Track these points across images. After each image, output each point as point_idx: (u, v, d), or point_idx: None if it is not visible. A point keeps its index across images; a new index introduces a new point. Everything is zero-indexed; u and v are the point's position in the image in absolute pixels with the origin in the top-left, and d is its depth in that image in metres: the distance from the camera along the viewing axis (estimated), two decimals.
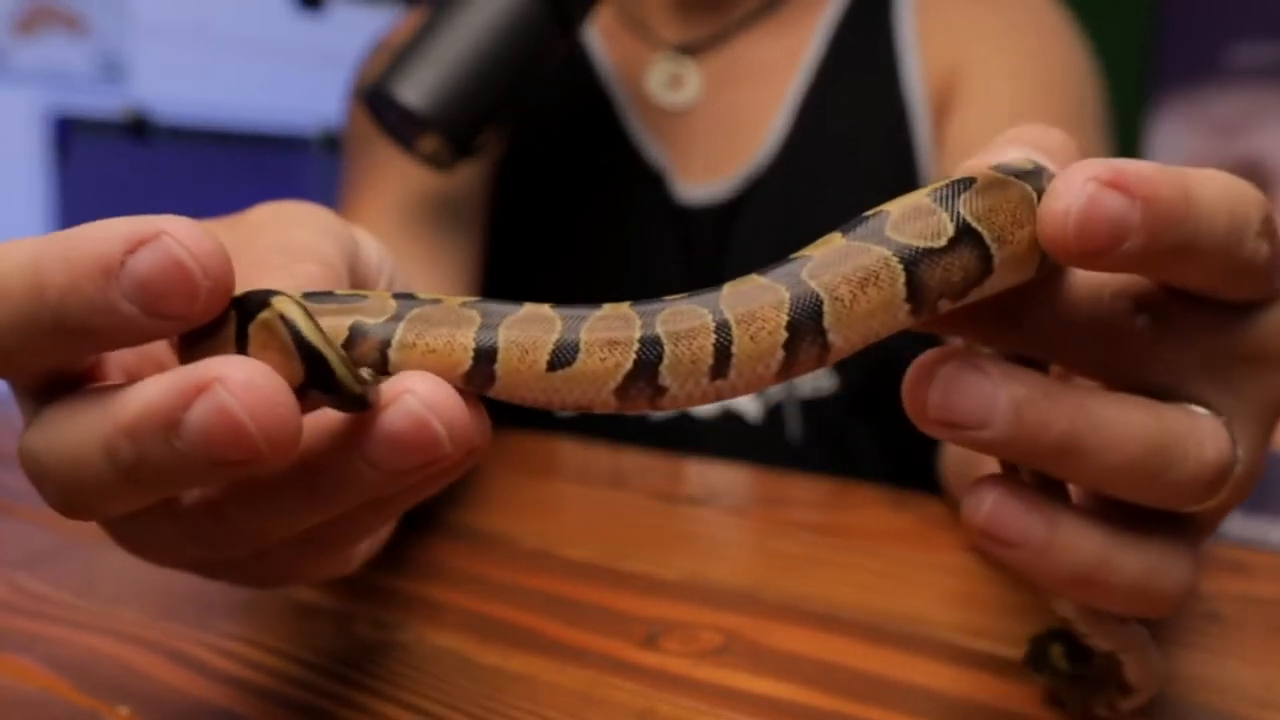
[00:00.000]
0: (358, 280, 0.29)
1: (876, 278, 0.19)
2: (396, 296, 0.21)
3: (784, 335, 0.19)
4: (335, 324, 0.20)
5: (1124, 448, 0.20)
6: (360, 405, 0.19)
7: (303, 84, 2.10)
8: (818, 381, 0.64)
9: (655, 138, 0.68)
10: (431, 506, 0.47)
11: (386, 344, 0.20)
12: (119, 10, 1.89)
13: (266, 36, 2.06)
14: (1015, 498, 0.20)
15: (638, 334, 0.19)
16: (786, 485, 0.53)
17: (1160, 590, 0.21)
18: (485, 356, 0.19)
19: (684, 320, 0.19)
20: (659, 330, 0.19)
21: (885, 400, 0.60)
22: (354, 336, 0.20)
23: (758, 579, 0.39)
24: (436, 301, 0.20)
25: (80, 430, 0.20)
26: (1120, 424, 0.20)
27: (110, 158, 1.90)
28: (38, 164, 1.82)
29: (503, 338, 0.19)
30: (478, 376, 0.19)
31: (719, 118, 0.67)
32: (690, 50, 0.68)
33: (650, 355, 0.19)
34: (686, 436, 0.65)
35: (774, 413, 0.64)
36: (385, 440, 0.19)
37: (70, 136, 1.86)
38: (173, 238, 0.18)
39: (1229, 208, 0.19)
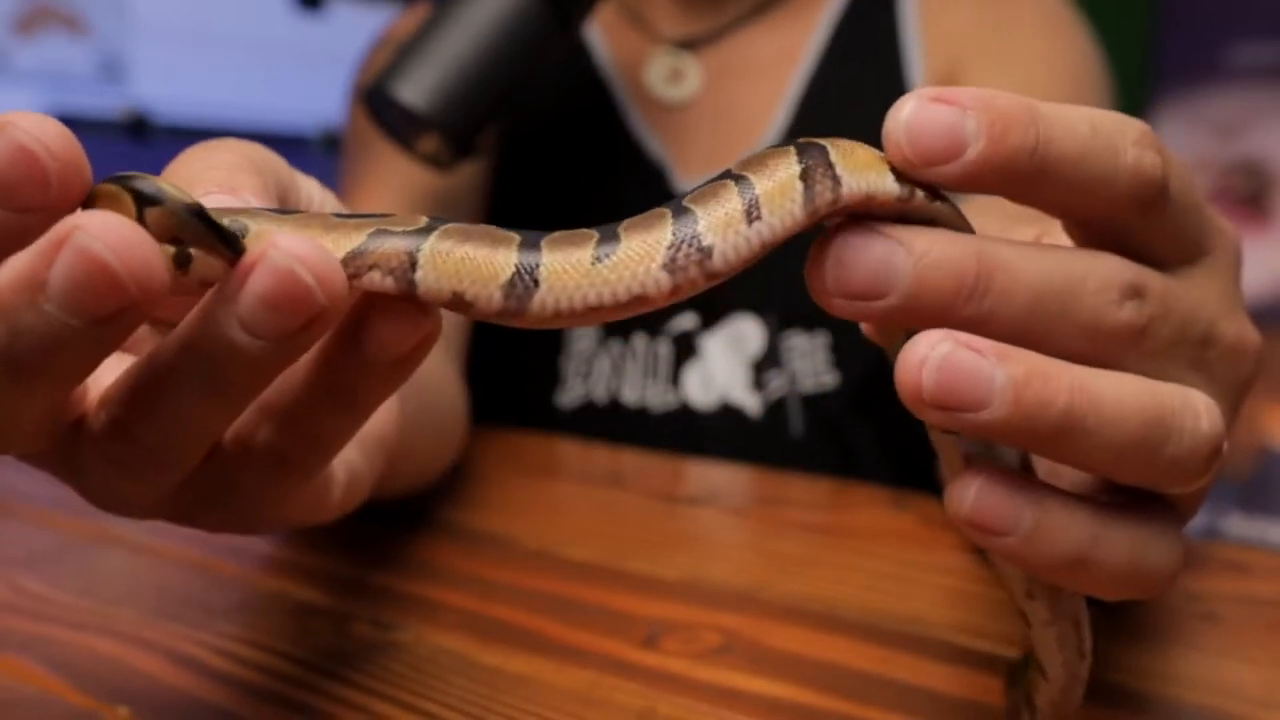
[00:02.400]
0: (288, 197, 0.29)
1: (860, 146, 0.20)
2: (430, 218, 0.20)
3: (798, 168, 0.19)
4: (347, 238, 0.20)
5: (1124, 424, 0.19)
6: (233, 245, 0.19)
7: (303, 84, 2.10)
8: (819, 378, 0.64)
9: (656, 132, 0.68)
10: (431, 506, 0.47)
11: (415, 251, 0.19)
12: (119, 10, 1.89)
13: (266, 36, 2.06)
14: (1000, 484, 0.20)
15: (670, 212, 0.20)
16: (786, 485, 0.53)
17: (1152, 570, 0.21)
18: (527, 266, 0.19)
19: (707, 191, 0.20)
20: (687, 204, 0.20)
21: (887, 397, 0.60)
22: (368, 248, 0.19)
23: (758, 579, 0.39)
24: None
25: None
26: (1117, 398, 0.19)
27: (110, 157, 1.90)
28: None
29: (545, 246, 0.19)
30: (518, 286, 0.19)
31: (719, 112, 0.67)
32: (690, 45, 0.69)
33: (687, 225, 0.19)
34: (687, 433, 0.65)
35: (775, 409, 0.64)
36: (254, 300, 0.19)
37: None
38: (16, 126, 0.18)
39: (1087, 119, 0.20)
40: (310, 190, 0.29)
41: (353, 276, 0.19)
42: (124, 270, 0.17)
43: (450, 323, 0.60)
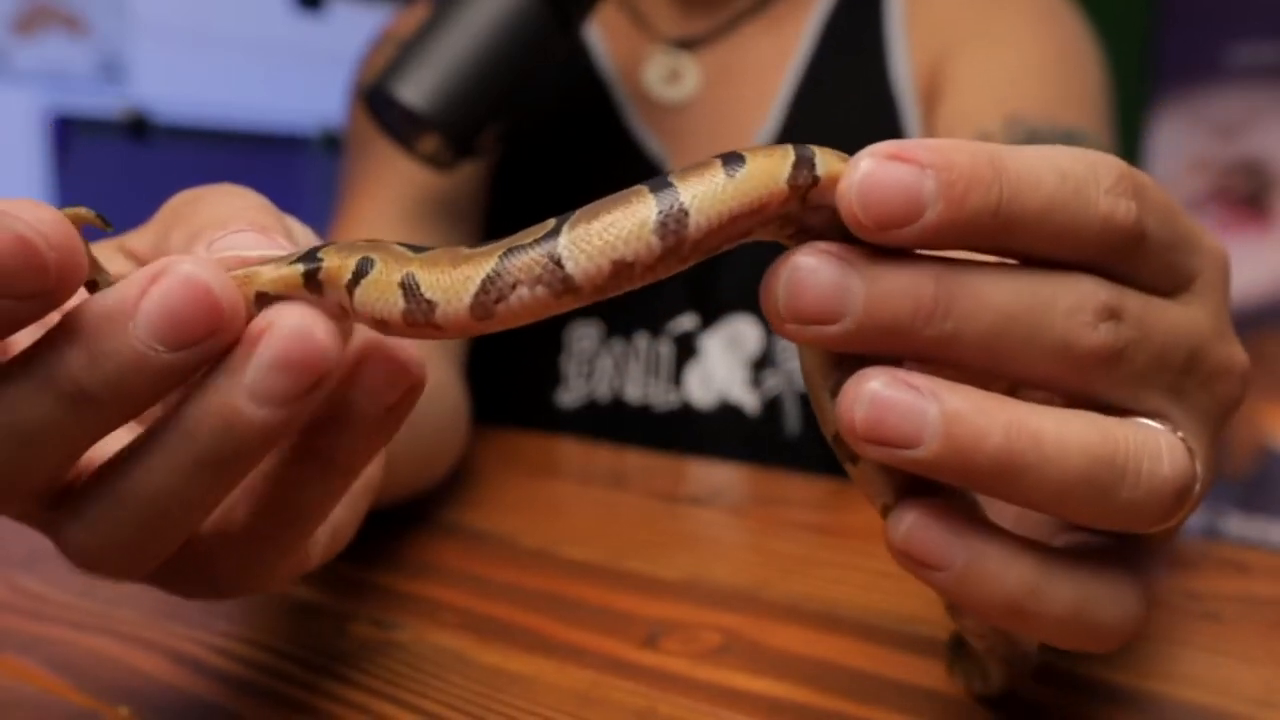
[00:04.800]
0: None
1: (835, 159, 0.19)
2: (557, 219, 0.20)
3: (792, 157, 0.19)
4: (479, 266, 0.19)
5: (1066, 464, 0.18)
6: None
7: (303, 84, 2.10)
8: None
9: (655, 132, 0.68)
10: (431, 506, 0.47)
11: (555, 248, 0.19)
12: (119, 10, 1.89)
13: (266, 36, 2.06)
14: (937, 519, 0.19)
15: (792, 148, 0.19)
16: (786, 485, 0.53)
17: (1098, 625, 0.20)
18: (670, 203, 0.18)
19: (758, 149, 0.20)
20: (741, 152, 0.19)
21: None
22: (505, 268, 0.19)
23: (758, 579, 0.39)
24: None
25: None
26: (1060, 438, 0.18)
27: (110, 158, 1.90)
28: (37, 164, 1.82)
29: (675, 182, 0.19)
30: (669, 223, 0.18)
31: (716, 112, 0.68)
32: (688, 45, 0.69)
33: (806, 153, 0.19)
34: (688, 432, 0.65)
35: (772, 406, 0.64)
36: (264, 367, 0.20)
37: (70, 136, 1.86)
38: (13, 216, 0.18)
39: (1056, 167, 0.19)
40: (293, 228, 0.29)
41: (497, 301, 0.19)
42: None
43: None
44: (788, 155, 0.19)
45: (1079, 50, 0.64)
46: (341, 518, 0.28)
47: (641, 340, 0.67)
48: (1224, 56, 1.83)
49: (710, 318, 0.66)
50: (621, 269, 0.18)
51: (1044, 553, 0.20)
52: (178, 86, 1.97)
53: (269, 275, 0.21)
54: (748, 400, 0.65)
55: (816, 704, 0.29)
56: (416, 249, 0.20)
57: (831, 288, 0.18)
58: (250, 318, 0.20)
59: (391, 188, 0.65)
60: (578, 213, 0.19)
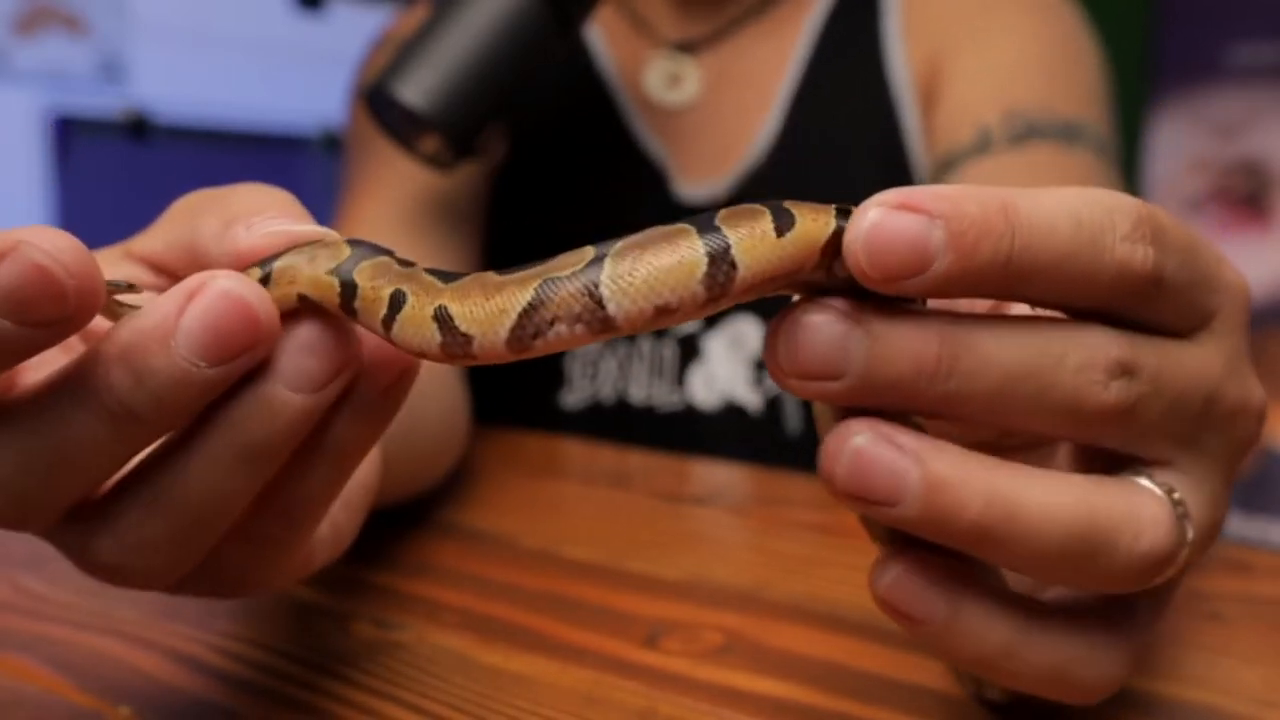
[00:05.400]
0: None
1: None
2: (595, 247, 0.19)
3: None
4: (514, 297, 0.19)
5: (1044, 537, 0.18)
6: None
7: (303, 84, 2.10)
8: None
9: (656, 135, 0.68)
10: (433, 506, 0.47)
11: (596, 285, 0.18)
12: (119, 10, 1.89)
13: (266, 36, 2.06)
14: (919, 575, 0.19)
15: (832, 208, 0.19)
16: (789, 485, 0.53)
17: (1077, 683, 0.20)
18: (718, 251, 0.18)
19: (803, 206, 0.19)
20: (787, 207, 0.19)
21: None
22: (542, 300, 0.19)
23: (759, 579, 0.39)
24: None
25: None
26: (1042, 511, 0.18)
27: (110, 158, 1.90)
28: (37, 164, 1.82)
29: (722, 226, 0.18)
30: (718, 275, 0.18)
31: (716, 116, 0.68)
32: (689, 48, 0.69)
33: (844, 218, 0.19)
34: (692, 432, 0.65)
35: (774, 405, 0.65)
36: (297, 354, 0.21)
37: (70, 136, 1.86)
38: (31, 244, 0.18)
39: (1073, 214, 0.18)
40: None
41: (534, 336, 0.19)
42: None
43: None
44: (830, 219, 0.18)
45: (1077, 44, 0.64)
46: (341, 518, 0.28)
47: (645, 341, 0.67)
48: (1224, 56, 1.83)
49: (713, 319, 0.66)
50: (663, 313, 0.18)
51: (1025, 612, 0.20)
52: (178, 86, 1.97)
53: (308, 274, 0.21)
54: (751, 400, 0.65)
55: (818, 704, 0.29)
56: (445, 276, 0.20)
57: (833, 345, 0.18)
58: (293, 314, 0.21)
59: (392, 188, 0.64)
60: (619, 245, 0.19)
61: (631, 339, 0.67)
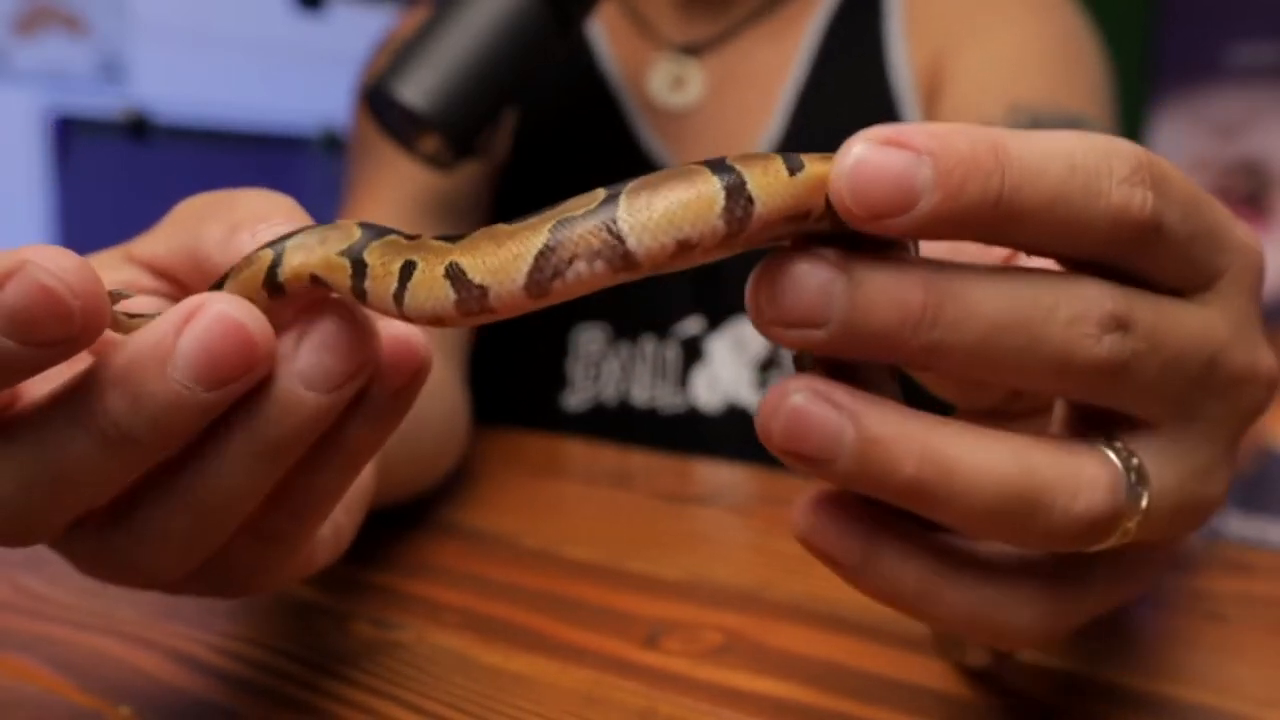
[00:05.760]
0: None
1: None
2: (606, 189, 0.19)
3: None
4: (528, 242, 0.18)
5: (976, 496, 0.18)
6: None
7: (303, 84, 2.10)
8: None
9: (660, 137, 0.68)
10: (433, 506, 0.47)
11: (614, 221, 0.18)
12: (119, 10, 1.89)
13: (266, 36, 2.06)
14: (836, 518, 0.19)
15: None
16: (790, 485, 0.53)
17: (997, 629, 0.20)
18: (735, 186, 0.18)
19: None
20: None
21: None
22: (559, 240, 0.18)
23: (760, 579, 0.39)
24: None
25: None
26: (976, 470, 0.18)
27: (110, 158, 1.90)
28: (38, 164, 1.82)
29: (737, 165, 0.18)
30: (735, 209, 0.18)
31: (720, 118, 0.68)
32: (693, 50, 0.69)
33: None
34: (695, 434, 0.65)
35: None
36: (315, 353, 0.21)
37: (70, 137, 1.86)
38: (36, 264, 0.18)
39: (1067, 156, 0.18)
40: None
41: (553, 278, 0.18)
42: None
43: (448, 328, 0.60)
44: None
45: (1079, 39, 0.64)
46: (342, 520, 0.28)
47: (648, 343, 0.67)
48: (1224, 56, 1.83)
49: (716, 320, 0.66)
50: (684, 248, 0.18)
51: (942, 556, 0.20)
52: (178, 86, 1.97)
53: (320, 255, 0.21)
54: (754, 402, 0.65)
55: (818, 704, 0.29)
56: (453, 238, 0.20)
57: (816, 291, 0.18)
58: (307, 298, 0.21)
59: (393, 189, 0.65)
60: (633, 183, 0.18)
61: (634, 340, 0.67)
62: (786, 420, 0.18)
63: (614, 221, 0.18)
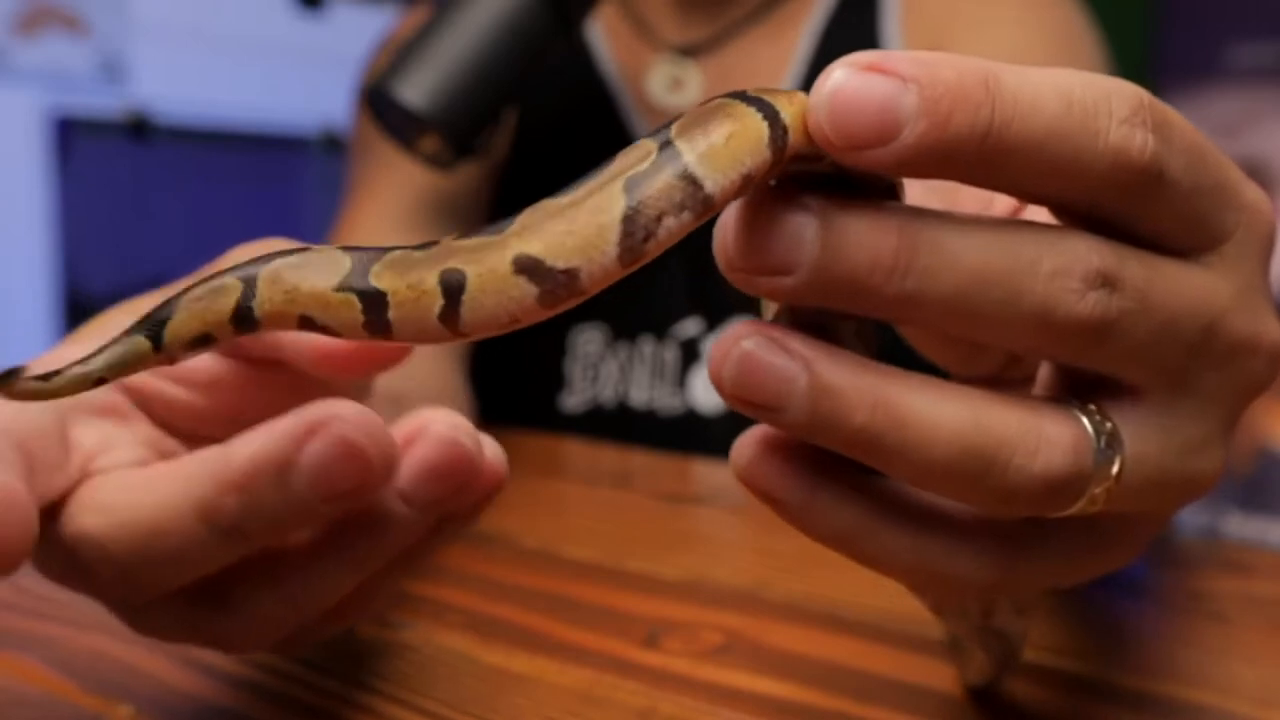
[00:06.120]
0: None
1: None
2: (650, 136, 0.18)
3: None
4: (602, 212, 0.17)
5: (929, 450, 0.17)
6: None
7: (303, 84, 2.10)
8: None
9: None
10: None
11: (687, 167, 0.17)
12: (119, 10, 1.89)
13: (266, 36, 2.06)
14: (774, 456, 0.19)
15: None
16: None
17: (941, 576, 0.19)
18: (773, 118, 0.17)
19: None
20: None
21: None
22: (641, 200, 0.17)
23: (759, 579, 0.39)
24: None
25: (162, 500, 0.21)
26: (929, 423, 0.17)
27: (111, 158, 1.90)
28: (38, 165, 1.82)
29: (767, 98, 0.17)
30: (777, 139, 0.17)
31: None
32: (691, 52, 0.69)
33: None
34: (691, 435, 0.65)
35: None
36: (418, 472, 0.22)
37: (71, 137, 1.86)
38: (342, 420, 0.20)
39: (1063, 91, 0.17)
40: None
41: (645, 240, 0.17)
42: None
43: None
44: None
45: (1079, 36, 0.65)
46: None
47: (647, 344, 0.67)
48: (1224, 56, 1.83)
49: (715, 321, 0.66)
50: (746, 182, 0.17)
51: (886, 500, 0.19)
52: (178, 87, 1.97)
53: (309, 291, 0.18)
54: None
55: (818, 704, 0.29)
56: (481, 233, 0.18)
57: (787, 236, 0.17)
58: (294, 322, 0.19)
59: (394, 189, 0.65)
60: (675, 127, 0.17)
61: (633, 341, 0.67)
62: (737, 366, 0.17)
63: (687, 169, 0.17)
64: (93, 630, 0.34)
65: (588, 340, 0.67)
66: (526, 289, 0.17)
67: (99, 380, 0.19)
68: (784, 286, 0.17)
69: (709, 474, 0.55)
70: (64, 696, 0.29)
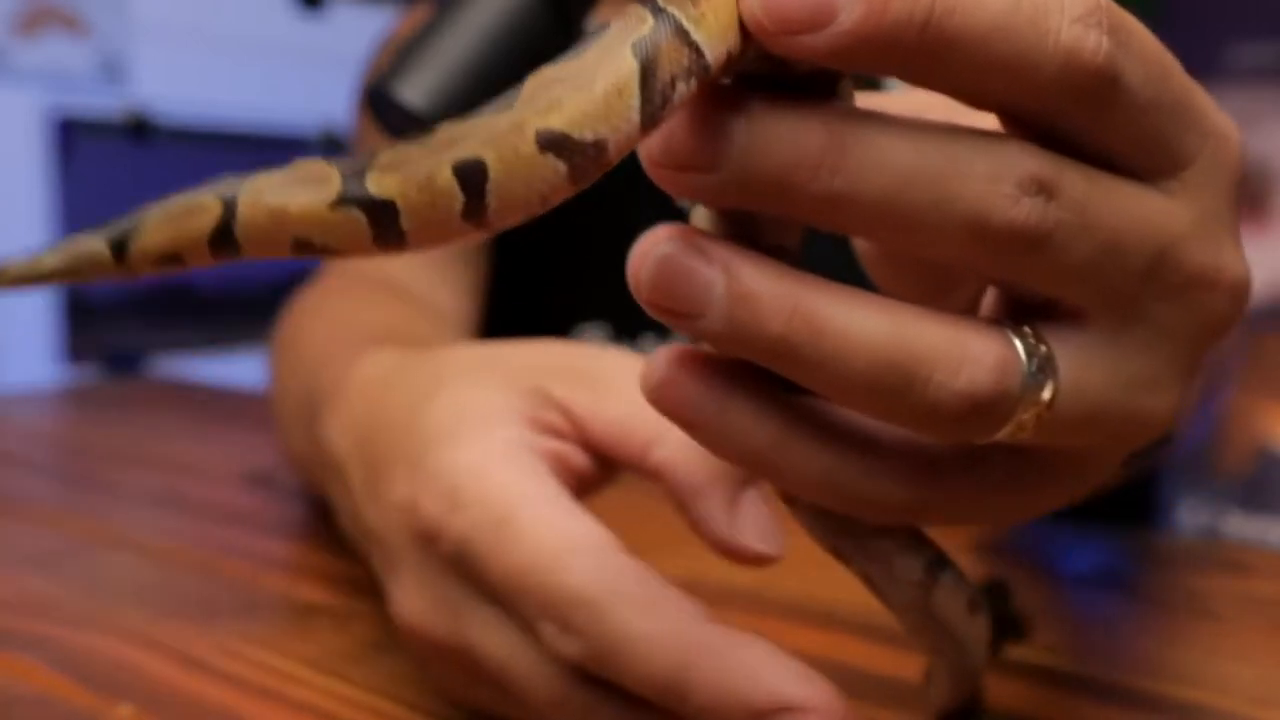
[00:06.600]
0: None
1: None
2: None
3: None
4: (605, 86, 0.16)
5: (845, 362, 0.17)
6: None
7: (303, 84, 2.10)
8: None
9: None
10: None
11: (680, 21, 0.16)
12: (119, 10, 1.89)
13: (266, 36, 2.06)
14: (686, 373, 0.18)
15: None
16: None
17: (857, 498, 0.19)
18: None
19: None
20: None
21: None
22: (652, 62, 0.16)
23: (760, 579, 0.39)
24: None
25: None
26: (847, 333, 0.17)
27: (111, 158, 1.90)
28: (39, 165, 1.82)
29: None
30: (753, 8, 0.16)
31: None
32: None
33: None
34: None
35: None
36: None
37: (71, 137, 1.86)
38: (816, 718, 0.20)
39: None
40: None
41: (663, 105, 0.16)
42: None
43: (457, 319, 0.61)
44: None
45: None
46: None
47: (649, 342, 0.67)
48: (1224, 56, 1.83)
49: None
50: (729, 61, 0.16)
51: (801, 416, 0.19)
52: (178, 87, 1.97)
53: (299, 211, 0.16)
54: None
55: None
56: (479, 113, 0.16)
57: (711, 132, 0.16)
58: (286, 247, 0.17)
59: None
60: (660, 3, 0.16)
61: (634, 339, 0.67)
62: (655, 269, 0.17)
63: (689, 34, 0.16)
64: (92, 630, 0.34)
65: (590, 338, 0.67)
66: (556, 167, 0.16)
67: (46, 277, 0.17)
68: (706, 185, 0.16)
69: None
70: (63, 696, 0.29)
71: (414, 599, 0.26)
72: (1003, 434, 0.18)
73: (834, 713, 0.20)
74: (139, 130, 1.94)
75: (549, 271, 0.69)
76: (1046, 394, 0.18)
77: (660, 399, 0.18)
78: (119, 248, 0.17)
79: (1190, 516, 1.80)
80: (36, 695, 0.29)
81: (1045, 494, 0.20)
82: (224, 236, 0.17)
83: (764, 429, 0.18)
